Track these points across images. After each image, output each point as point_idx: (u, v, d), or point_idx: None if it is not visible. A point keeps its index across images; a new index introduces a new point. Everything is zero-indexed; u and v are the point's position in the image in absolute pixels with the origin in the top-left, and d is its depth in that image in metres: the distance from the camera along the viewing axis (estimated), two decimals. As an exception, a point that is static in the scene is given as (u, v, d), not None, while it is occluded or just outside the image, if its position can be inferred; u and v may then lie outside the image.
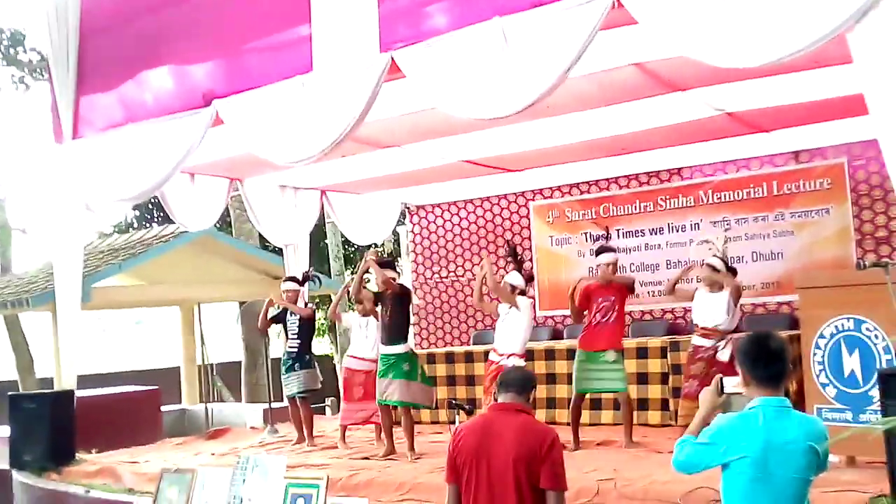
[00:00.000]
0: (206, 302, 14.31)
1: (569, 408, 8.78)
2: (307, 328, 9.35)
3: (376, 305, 8.30)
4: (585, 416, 9.19)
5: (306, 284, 9.82)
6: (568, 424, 9.12)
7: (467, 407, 5.82)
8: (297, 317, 9.18)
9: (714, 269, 7.48)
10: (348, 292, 8.82)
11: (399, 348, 7.99)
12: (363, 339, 8.87)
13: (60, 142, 8.56)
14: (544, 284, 11.40)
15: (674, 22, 4.98)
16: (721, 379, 3.57)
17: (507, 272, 8.00)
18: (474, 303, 7.72)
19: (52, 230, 9.15)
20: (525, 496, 3.82)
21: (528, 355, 7.89)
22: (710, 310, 7.44)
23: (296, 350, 9.19)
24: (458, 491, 4.00)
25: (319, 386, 9.35)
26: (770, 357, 3.40)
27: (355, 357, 8.92)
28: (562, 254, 11.38)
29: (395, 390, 7.89)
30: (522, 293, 7.67)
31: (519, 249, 9.47)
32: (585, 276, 8.18)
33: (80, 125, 8.46)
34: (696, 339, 7.53)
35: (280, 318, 9.41)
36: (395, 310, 7.97)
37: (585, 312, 7.87)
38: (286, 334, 9.33)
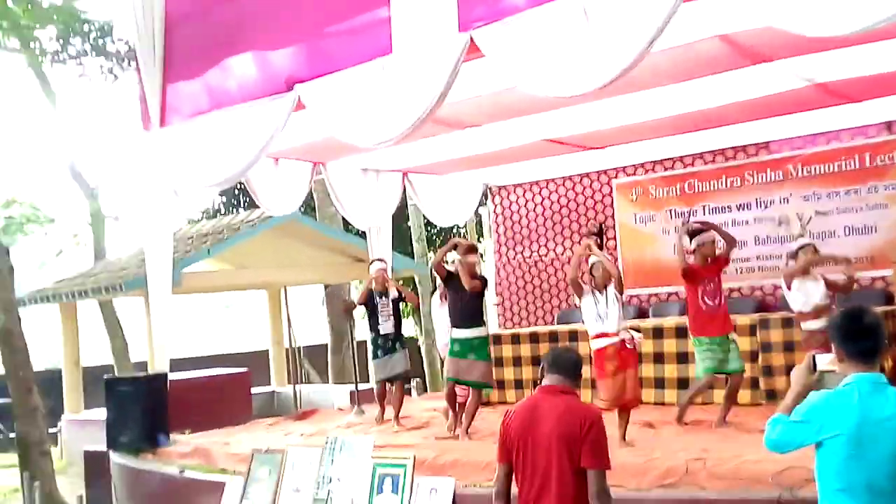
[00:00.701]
0: (292, 285, 14.55)
1: (655, 388, 8.77)
2: (399, 311, 9.40)
3: (452, 289, 8.22)
4: (670, 395, 9.11)
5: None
6: (654, 404, 9.10)
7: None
8: (390, 299, 9.22)
9: (815, 249, 7.29)
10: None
11: (482, 331, 8.04)
12: (447, 322, 8.91)
13: (148, 129, 8.74)
14: (628, 263, 11.27)
15: (759, -9, 4.86)
16: (814, 356, 3.49)
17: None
18: (570, 280, 7.58)
19: (143, 217, 9.38)
20: (567, 475, 3.91)
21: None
22: (810, 293, 7.16)
23: (392, 332, 9.24)
24: (508, 470, 4.16)
25: (411, 368, 9.44)
26: (864, 332, 3.33)
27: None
28: (646, 232, 11.24)
29: (479, 372, 7.96)
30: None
31: (604, 228, 9.32)
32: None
33: (168, 113, 8.62)
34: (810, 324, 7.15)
35: (368, 301, 9.44)
36: (476, 294, 8.00)
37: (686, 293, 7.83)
38: (376, 317, 9.30)
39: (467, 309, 8.06)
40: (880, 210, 9.52)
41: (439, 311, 9.41)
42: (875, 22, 4.51)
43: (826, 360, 3.43)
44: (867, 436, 3.17)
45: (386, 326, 9.24)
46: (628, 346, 7.16)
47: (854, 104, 8.53)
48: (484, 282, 8.20)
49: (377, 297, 9.28)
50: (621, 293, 7.33)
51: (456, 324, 8.14)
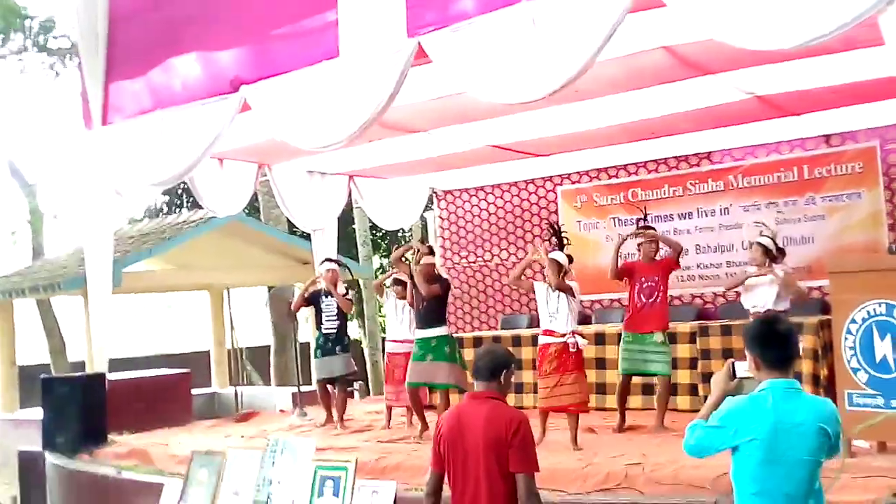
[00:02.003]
0: (235, 286, 14.43)
1: (602, 392, 8.86)
2: (343, 311, 9.38)
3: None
4: (611, 400, 9.19)
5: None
6: (596, 409, 9.16)
7: None
8: (334, 299, 9.20)
9: (765, 249, 7.40)
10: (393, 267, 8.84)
11: (440, 331, 8.02)
12: (398, 323, 8.95)
13: (90, 128, 8.63)
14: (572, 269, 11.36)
15: (702, 4, 4.95)
16: (733, 363, 3.56)
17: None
18: (510, 280, 7.70)
19: (84, 215, 9.25)
20: (496, 481, 3.93)
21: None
22: (762, 293, 7.34)
23: (334, 332, 9.21)
24: (439, 476, 4.18)
25: (355, 369, 9.41)
26: (778, 340, 3.42)
27: (395, 341, 9.00)
28: (590, 239, 11.33)
29: (442, 373, 7.91)
30: (566, 273, 7.57)
31: (535, 232, 9.27)
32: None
33: (110, 111, 8.52)
34: None
35: (313, 301, 9.41)
36: (434, 296, 7.98)
37: (627, 293, 7.95)
38: (320, 317, 9.31)
39: (424, 309, 8.03)
40: (818, 221, 9.72)
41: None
42: (814, 37, 4.62)
43: (745, 367, 3.50)
44: (781, 440, 3.25)
45: (328, 326, 9.23)
46: (571, 349, 7.22)
47: (793, 117, 8.71)
48: (444, 284, 8.20)
49: (323, 297, 9.26)
50: (573, 296, 7.39)
51: (417, 325, 8.17)
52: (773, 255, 7.38)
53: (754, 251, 7.49)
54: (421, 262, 8.02)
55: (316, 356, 9.31)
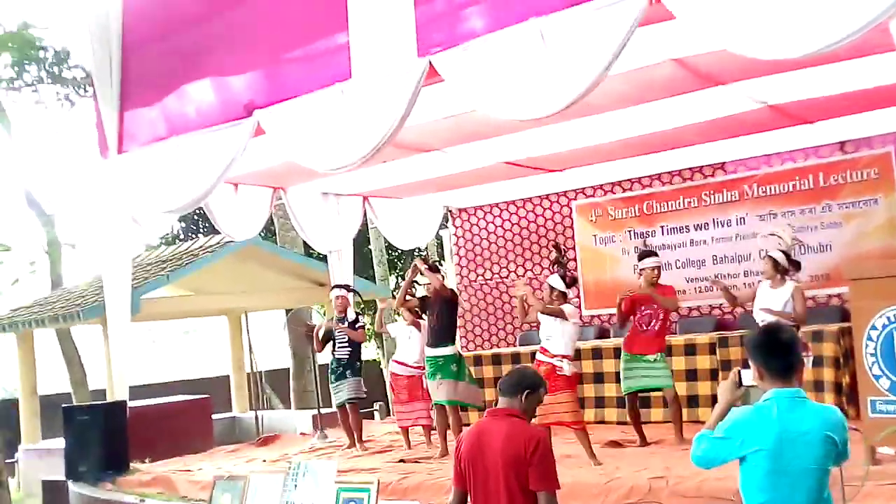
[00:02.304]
0: (253, 310, 14.47)
1: (618, 407, 8.83)
2: (361, 333, 9.40)
3: (423, 311, 8.38)
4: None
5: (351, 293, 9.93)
6: (618, 423, 9.15)
7: None
8: (345, 324, 9.23)
9: (775, 262, 7.21)
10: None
11: (446, 350, 8.11)
12: (407, 346, 8.98)
13: (106, 157, 8.69)
14: (589, 284, 11.37)
15: (712, 15, 4.94)
16: (739, 372, 3.55)
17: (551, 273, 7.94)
18: (519, 322, 7.84)
19: (101, 244, 9.30)
20: (517, 499, 3.89)
21: (576, 355, 7.82)
22: (773, 306, 7.13)
23: (346, 357, 9.23)
24: (461, 494, 4.14)
25: (365, 395, 9.42)
26: (781, 349, 3.41)
27: (398, 362, 9.03)
28: (606, 252, 11.33)
29: (443, 390, 8.03)
30: (564, 296, 7.58)
31: (563, 250, 9.33)
32: (631, 290, 8.07)
33: (125, 140, 8.58)
34: None
35: (328, 333, 9.46)
36: (443, 313, 8.07)
37: (631, 318, 7.91)
38: (334, 342, 9.36)
39: (432, 328, 8.16)
40: (835, 228, 9.68)
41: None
42: (825, 45, 4.61)
43: (751, 376, 3.49)
44: (787, 450, 3.23)
45: (341, 353, 9.27)
46: (558, 372, 7.24)
47: (807, 125, 8.68)
48: (452, 293, 8.24)
49: (335, 323, 9.30)
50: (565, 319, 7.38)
51: (427, 343, 8.26)
52: (784, 268, 7.21)
53: (765, 264, 7.36)
54: (425, 276, 8.13)
55: (330, 381, 9.36)
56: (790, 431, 3.25)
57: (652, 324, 7.76)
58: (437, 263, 8.86)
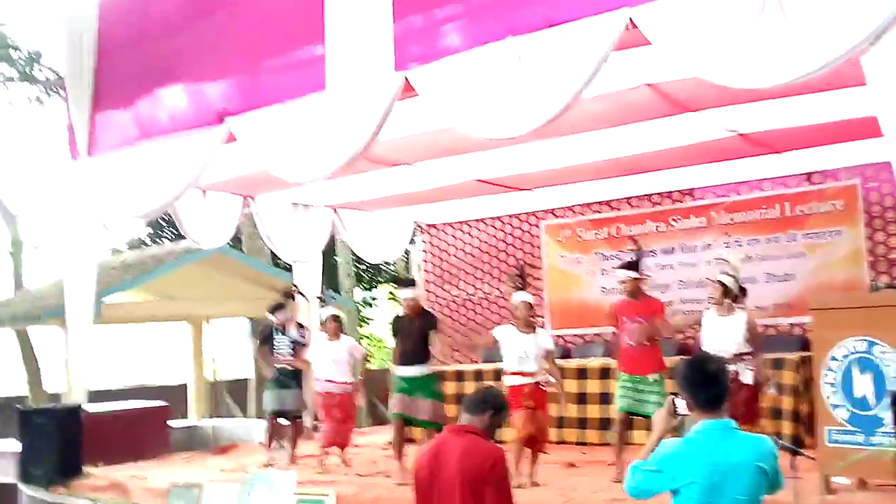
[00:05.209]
0: (217, 318, 14.35)
1: (578, 427, 8.79)
2: (300, 349, 9.31)
3: (397, 329, 8.12)
4: (592, 435, 9.16)
5: (296, 299, 9.80)
6: (577, 444, 9.15)
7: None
8: (289, 339, 9.12)
9: (725, 288, 6.99)
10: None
11: (426, 369, 7.86)
12: (330, 362, 8.76)
13: (76, 158, 8.62)
14: (555, 304, 11.40)
15: (686, 43, 5.00)
16: (674, 400, 3.55)
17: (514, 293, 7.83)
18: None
19: (66, 246, 9.19)
20: None
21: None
22: (724, 336, 6.91)
23: (290, 367, 9.16)
24: None
25: (306, 408, 9.34)
26: (709, 380, 3.43)
27: (331, 381, 8.77)
28: (573, 273, 11.37)
29: (427, 410, 7.77)
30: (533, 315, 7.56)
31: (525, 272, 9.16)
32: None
33: (95, 142, 8.52)
34: None
35: (268, 339, 9.38)
36: (423, 331, 7.84)
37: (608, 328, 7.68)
38: (273, 354, 9.24)
39: (411, 347, 7.86)
40: (799, 258, 9.78)
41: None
42: (797, 76, 4.68)
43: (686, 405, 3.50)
44: (719, 482, 3.26)
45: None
46: (542, 387, 7.25)
47: (776, 155, 8.79)
48: (431, 320, 8.03)
49: (275, 334, 9.21)
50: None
51: (402, 362, 7.90)
52: (734, 294, 6.99)
53: (714, 289, 7.08)
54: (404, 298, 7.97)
55: (268, 388, 9.22)
56: (721, 463, 3.27)
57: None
58: (411, 279, 8.75)
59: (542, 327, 8.49)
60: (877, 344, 5.84)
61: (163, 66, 7.95)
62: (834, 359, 6.05)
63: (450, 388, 10.16)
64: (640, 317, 7.30)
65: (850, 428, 5.94)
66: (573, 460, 8.25)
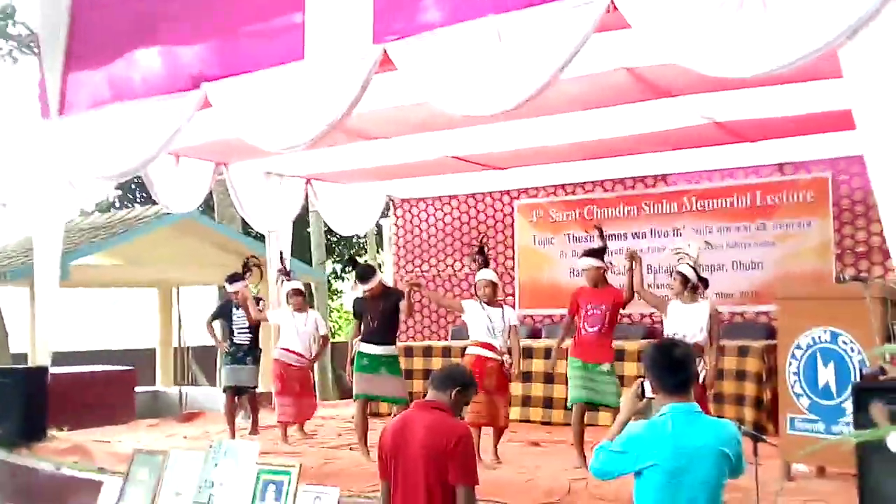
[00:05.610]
0: (186, 285, 14.26)
1: (544, 407, 8.84)
2: (255, 326, 9.30)
3: (360, 310, 8.05)
4: (557, 414, 9.22)
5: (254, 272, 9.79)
6: (542, 423, 9.22)
7: None
8: (244, 311, 9.12)
9: (685, 278, 6.87)
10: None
11: (393, 349, 7.85)
12: (295, 334, 8.86)
13: (47, 117, 8.50)
14: (525, 284, 11.47)
15: (667, 28, 5.00)
16: (642, 383, 3.60)
17: (477, 269, 7.78)
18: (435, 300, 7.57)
19: (34, 205, 9.08)
20: (434, 491, 3.91)
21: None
22: (685, 323, 6.81)
23: (247, 343, 9.17)
24: (387, 485, 4.13)
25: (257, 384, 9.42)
26: (676, 365, 3.49)
27: (290, 351, 8.87)
28: (543, 254, 11.42)
29: (392, 386, 7.73)
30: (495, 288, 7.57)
31: (490, 245, 9.02)
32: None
33: (67, 101, 8.40)
34: None
35: (224, 313, 9.37)
36: (387, 312, 7.78)
37: (575, 318, 7.36)
38: (231, 329, 9.27)
39: (381, 325, 7.77)
40: (767, 247, 9.88)
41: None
42: (775, 67, 4.70)
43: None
44: (682, 465, 3.31)
45: (241, 338, 9.20)
46: (505, 371, 7.31)
47: (750, 144, 8.84)
48: (395, 299, 7.92)
49: (234, 309, 9.21)
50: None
51: (369, 339, 7.78)
52: (693, 285, 6.89)
53: (674, 280, 7.01)
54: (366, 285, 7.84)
55: (225, 363, 9.27)
56: (685, 447, 3.32)
57: (597, 327, 7.18)
58: (371, 267, 8.62)
59: (512, 306, 8.51)
60: (841, 335, 5.93)
61: (139, 28, 7.85)
62: (798, 348, 6.13)
63: (417, 363, 10.22)
64: (602, 304, 7.21)
65: (811, 417, 6.03)
66: (538, 439, 8.30)
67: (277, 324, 9.26)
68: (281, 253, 10.23)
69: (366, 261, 8.33)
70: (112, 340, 22.48)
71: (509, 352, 7.36)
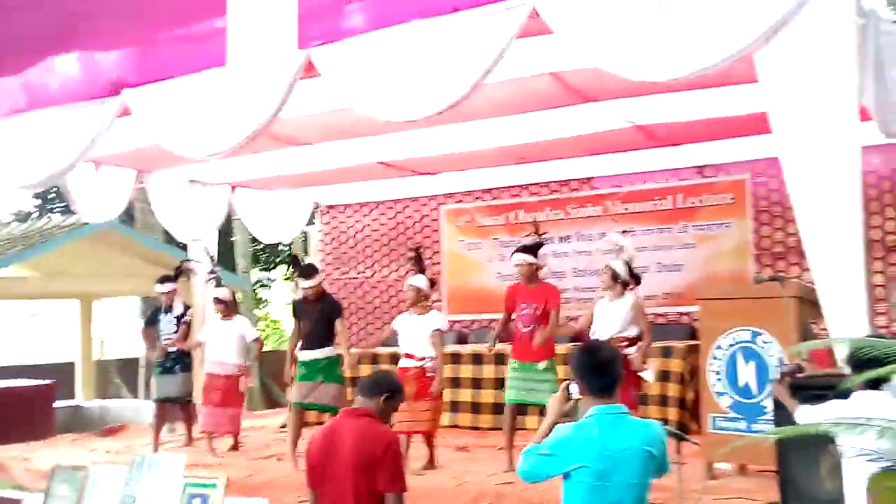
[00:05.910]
0: (107, 296, 13.97)
1: (472, 412, 8.85)
2: (185, 330, 9.18)
3: (297, 313, 8.03)
4: (486, 420, 9.25)
5: (186, 275, 9.69)
6: (471, 428, 9.23)
7: None
8: (174, 317, 8.99)
9: (614, 273, 6.89)
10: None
11: (330, 352, 7.81)
12: (220, 343, 8.78)
13: (-41, 125, 8.24)
14: (452, 289, 11.46)
15: (588, 33, 5.06)
16: (568, 385, 3.63)
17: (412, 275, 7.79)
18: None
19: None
20: (363, 499, 3.90)
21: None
22: (609, 319, 6.88)
23: (175, 351, 9.03)
24: (315, 494, 4.11)
25: (191, 391, 9.24)
26: (602, 367, 3.52)
27: (219, 362, 8.77)
28: (471, 259, 11.44)
29: (333, 395, 7.71)
30: (427, 297, 7.60)
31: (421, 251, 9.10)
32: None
33: (-19, 108, 8.16)
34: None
35: (154, 321, 9.22)
36: (325, 315, 7.78)
37: (513, 316, 7.37)
38: (158, 336, 9.15)
39: (315, 330, 7.79)
40: (689, 249, 10.05)
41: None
42: (693, 70, 4.79)
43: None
44: (608, 466, 3.34)
45: (168, 344, 9.05)
46: (428, 374, 7.28)
47: (670, 147, 8.99)
48: (331, 305, 7.96)
49: (162, 314, 9.07)
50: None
51: (304, 346, 7.83)
52: (624, 280, 6.89)
53: (603, 275, 7.00)
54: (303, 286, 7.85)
55: (155, 373, 9.15)
56: (611, 448, 3.35)
57: (531, 327, 7.16)
58: (312, 266, 8.62)
59: (439, 311, 8.52)
60: (760, 334, 6.06)
61: (56, 32, 7.65)
62: (719, 348, 6.25)
63: (346, 371, 10.12)
64: (535, 302, 7.25)
65: (733, 415, 6.15)
66: (466, 444, 8.32)
67: (205, 340, 9.08)
68: (212, 258, 10.06)
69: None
70: (31, 355, 21.92)
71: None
